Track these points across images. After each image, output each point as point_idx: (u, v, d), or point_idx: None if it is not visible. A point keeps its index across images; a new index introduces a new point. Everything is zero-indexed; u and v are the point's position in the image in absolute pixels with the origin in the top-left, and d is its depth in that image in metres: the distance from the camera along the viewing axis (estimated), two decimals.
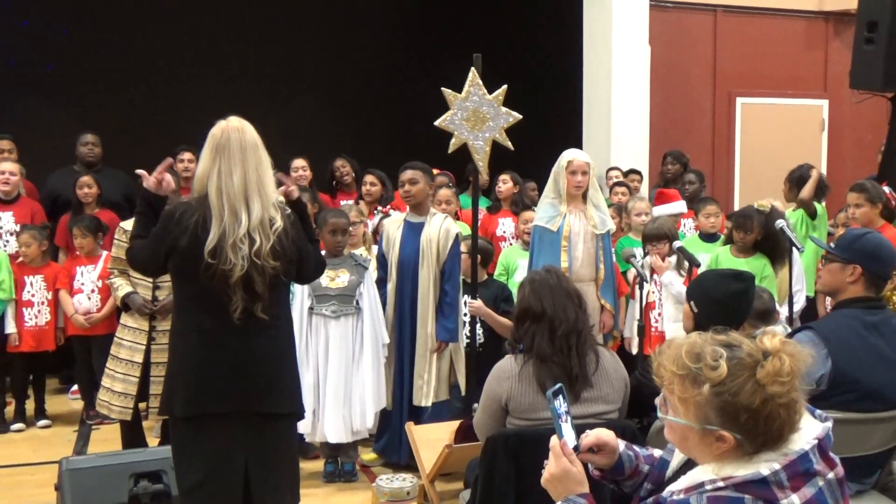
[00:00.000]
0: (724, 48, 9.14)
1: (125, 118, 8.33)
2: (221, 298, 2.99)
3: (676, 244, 5.31)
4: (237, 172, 2.99)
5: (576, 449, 2.05)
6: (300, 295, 4.95)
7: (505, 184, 7.11)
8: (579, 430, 2.12)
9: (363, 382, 4.93)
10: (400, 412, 5.12)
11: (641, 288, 5.03)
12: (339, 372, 4.90)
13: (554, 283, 3.30)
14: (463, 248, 5.36)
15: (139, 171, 3.31)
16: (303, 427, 4.89)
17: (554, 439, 2.02)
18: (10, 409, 6.14)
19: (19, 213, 6.49)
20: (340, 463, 5.06)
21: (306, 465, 5.21)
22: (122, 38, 8.59)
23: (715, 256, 5.63)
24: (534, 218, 5.46)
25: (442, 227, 5.16)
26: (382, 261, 5.25)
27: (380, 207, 6.45)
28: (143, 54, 8.67)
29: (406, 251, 5.17)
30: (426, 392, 5.09)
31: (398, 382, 5.13)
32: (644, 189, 7.94)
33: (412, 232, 5.20)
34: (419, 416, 5.03)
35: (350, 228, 5.22)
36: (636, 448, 2.26)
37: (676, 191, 7.02)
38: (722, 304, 3.29)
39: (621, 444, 2.22)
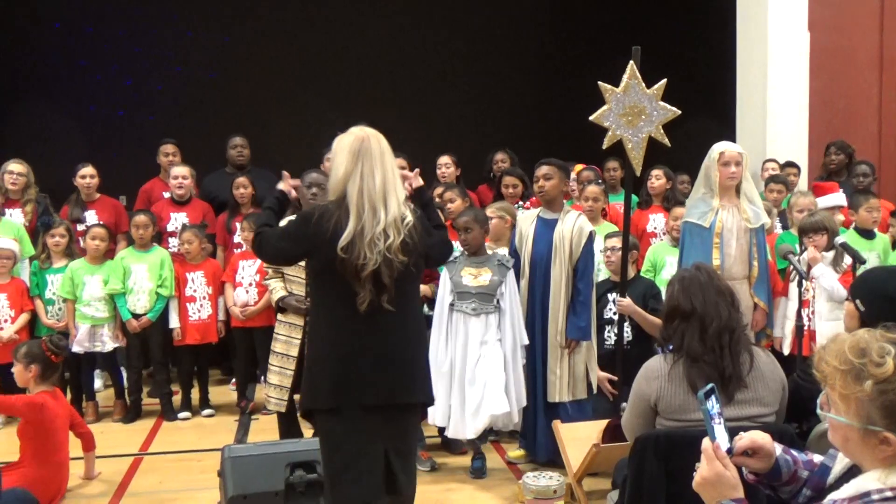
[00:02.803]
0: (892, 31, 8.57)
1: (273, 121, 8.68)
2: (355, 294, 3.12)
3: (839, 240, 5.04)
4: (378, 173, 3.16)
5: (729, 452, 1.98)
6: (443, 291, 5.01)
7: (658, 179, 6.95)
8: (733, 432, 2.05)
9: (501, 380, 4.88)
10: (534, 409, 5.10)
11: (800, 286, 4.80)
12: (476, 369, 4.90)
13: (704, 280, 3.20)
14: (615, 243, 5.27)
15: (284, 172, 3.61)
16: (441, 421, 4.95)
17: (706, 441, 1.96)
18: (177, 399, 6.54)
19: (192, 214, 6.94)
20: (488, 459, 5.07)
21: (454, 461, 5.28)
22: (276, 46, 8.96)
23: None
24: (684, 214, 5.30)
25: (576, 225, 5.09)
26: (515, 256, 5.20)
27: (521, 203, 6.42)
28: (295, 59, 9.01)
29: (539, 248, 5.13)
30: (559, 388, 5.05)
31: (530, 379, 5.10)
32: (803, 182, 7.57)
33: (545, 228, 5.15)
34: (556, 413, 4.98)
35: (486, 226, 5.21)
36: (794, 452, 2.16)
37: (835, 183, 6.66)
38: (893, 301, 3.08)
39: (778, 448, 2.13)
